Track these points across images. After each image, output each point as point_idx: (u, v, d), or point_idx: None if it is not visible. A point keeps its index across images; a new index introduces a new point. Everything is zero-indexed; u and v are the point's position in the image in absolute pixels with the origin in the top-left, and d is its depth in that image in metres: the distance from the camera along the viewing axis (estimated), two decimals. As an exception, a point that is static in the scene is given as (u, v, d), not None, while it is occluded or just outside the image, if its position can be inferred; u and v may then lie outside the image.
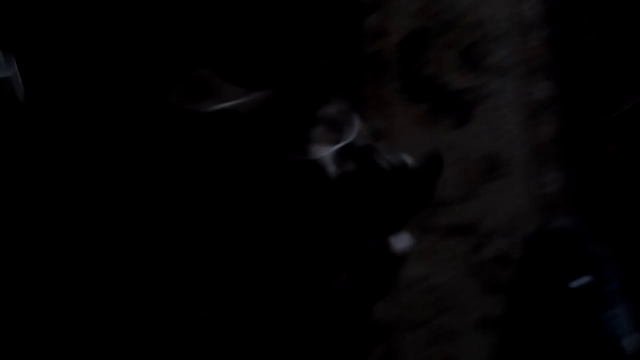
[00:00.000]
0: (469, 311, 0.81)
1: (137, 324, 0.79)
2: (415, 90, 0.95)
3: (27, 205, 0.91)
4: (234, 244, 0.64)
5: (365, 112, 0.97)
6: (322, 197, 0.63)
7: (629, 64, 0.88)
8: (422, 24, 0.98)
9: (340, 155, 0.64)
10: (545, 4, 0.95)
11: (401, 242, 0.65)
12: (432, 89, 0.94)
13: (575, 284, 0.71)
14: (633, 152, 0.84)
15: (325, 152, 0.63)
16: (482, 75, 0.93)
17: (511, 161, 0.87)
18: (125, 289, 0.75)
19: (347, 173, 0.61)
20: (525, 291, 0.75)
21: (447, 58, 0.95)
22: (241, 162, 0.66)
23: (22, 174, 0.96)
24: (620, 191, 0.83)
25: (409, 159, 0.60)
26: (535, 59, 0.92)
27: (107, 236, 0.69)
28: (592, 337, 0.65)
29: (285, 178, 0.65)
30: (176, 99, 0.67)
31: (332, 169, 0.64)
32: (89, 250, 0.81)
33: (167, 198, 0.64)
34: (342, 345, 0.64)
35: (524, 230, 0.84)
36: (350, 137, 0.63)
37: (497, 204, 0.86)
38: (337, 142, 0.64)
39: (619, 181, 0.83)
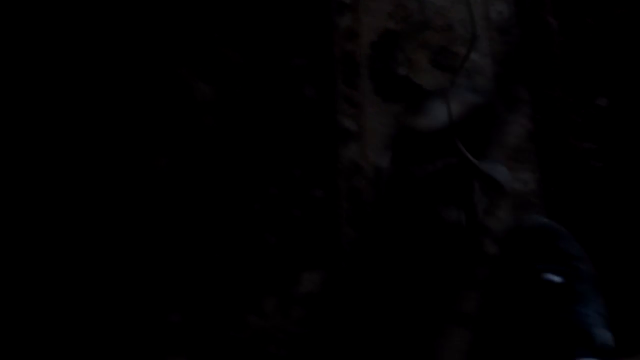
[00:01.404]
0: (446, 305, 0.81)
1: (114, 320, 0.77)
2: (388, 92, 0.95)
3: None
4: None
5: (339, 114, 0.97)
6: None
7: (599, 64, 0.90)
8: (394, 26, 0.98)
9: None
10: (515, 8, 0.96)
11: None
12: (405, 90, 0.94)
13: (548, 279, 0.71)
14: (605, 150, 0.85)
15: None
16: (454, 77, 0.93)
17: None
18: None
19: None
20: (500, 287, 0.75)
21: (420, 60, 0.95)
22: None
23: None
24: (594, 189, 0.84)
25: None
26: (506, 61, 0.93)
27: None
28: (564, 333, 0.65)
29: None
30: None
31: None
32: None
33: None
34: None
35: (499, 229, 0.84)
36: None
37: (471, 204, 0.86)
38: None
39: (593, 179, 0.84)
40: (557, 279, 0.71)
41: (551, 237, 0.75)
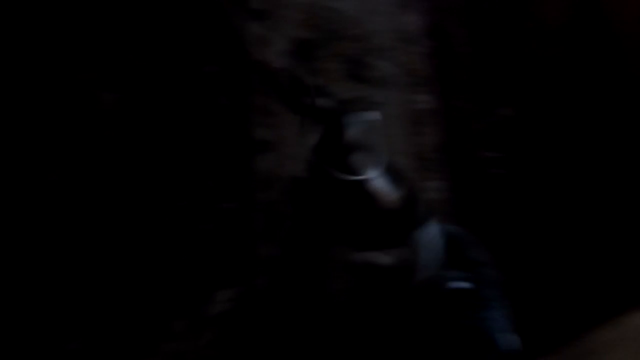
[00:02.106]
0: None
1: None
2: (304, 102, 0.95)
3: None
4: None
5: (254, 123, 0.95)
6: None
7: (501, 76, 0.94)
8: (307, 35, 0.98)
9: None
10: (425, 20, 0.99)
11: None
12: (321, 99, 0.94)
13: (455, 286, 0.73)
14: (508, 157, 0.89)
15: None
16: (367, 87, 0.94)
17: (396, 170, 0.89)
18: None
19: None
20: (408, 294, 0.77)
21: (333, 69, 0.96)
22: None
23: None
24: (499, 197, 0.87)
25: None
26: (416, 71, 0.96)
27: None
28: (470, 337, 0.67)
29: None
30: None
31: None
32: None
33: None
34: None
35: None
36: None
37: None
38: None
39: (498, 187, 0.88)
40: (464, 285, 0.73)
41: (458, 245, 0.77)
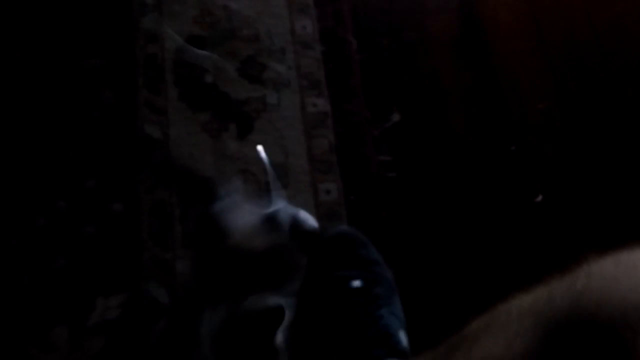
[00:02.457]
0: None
1: None
2: (194, 99, 0.92)
3: None
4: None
5: (140, 120, 0.90)
6: None
7: (393, 82, 0.97)
8: (200, 32, 0.95)
9: None
10: (318, 24, 1.00)
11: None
12: (212, 98, 0.92)
13: (349, 284, 0.74)
14: (403, 161, 0.92)
15: None
16: (260, 88, 0.93)
17: (290, 172, 0.89)
18: None
19: None
20: (306, 293, 0.76)
21: (227, 68, 0.94)
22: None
23: None
24: (388, 197, 0.90)
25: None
26: (310, 75, 0.96)
27: None
28: (366, 334, 0.67)
29: None
30: None
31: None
32: None
33: None
34: None
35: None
36: None
37: (278, 215, 0.86)
38: None
39: (388, 188, 0.90)
40: (356, 283, 0.74)
41: (351, 245, 0.78)
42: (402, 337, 0.71)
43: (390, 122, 0.94)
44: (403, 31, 1.02)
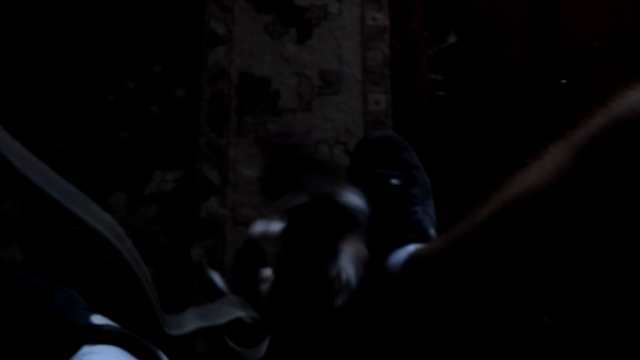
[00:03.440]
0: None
1: None
2: (260, 1, 0.96)
3: None
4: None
5: (207, 16, 0.95)
6: None
7: (455, 5, 0.99)
8: None
9: None
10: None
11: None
12: (276, 1, 0.96)
13: (389, 181, 0.78)
14: (453, 82, 0.94)
15: None
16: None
17: (343, 80, 0.93)
18: None
19: None
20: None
21: (293, -25, 0.97)
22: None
23: None
24: (436, 113, 0.92)
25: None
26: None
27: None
28: (399, 220, 0.72)
29: None
30: None
31: None
32: None
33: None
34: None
35: (348, 143, 0.90)
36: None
37: (327, 119, 0.91)
38: None
39: (436, 105, 0.93)
40: (395, 181, 0.78)
41: (392, 147, 0.82)
42: (433, 233, 0.75)
43: (445, 43, 0.96)
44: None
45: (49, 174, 0.37)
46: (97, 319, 0.65)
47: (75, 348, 0.56)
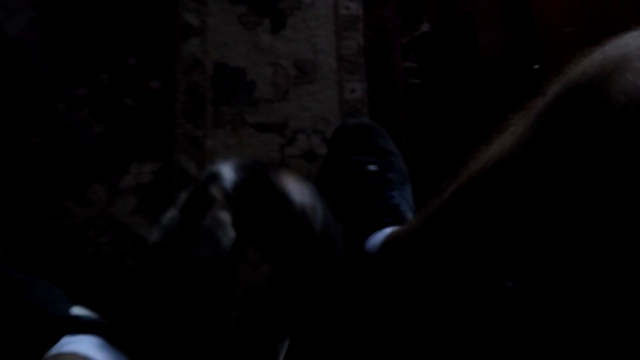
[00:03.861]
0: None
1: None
2: (233, -8, 0.96)
3: None
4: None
5: (180, 7, 0.95)
6: None
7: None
8: None
9: None
10: None
11: None
12: (251, -7, 0.96)
13: (365, 167, 0.79)
14: (428, 70, 0.95)
15: None
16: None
17: (318, 69, 0.93)
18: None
19: None
20: (324, 174, 0.82)
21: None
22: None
23: None
24: (410, 101, 0.93)
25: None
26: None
27: None
28: (376, 204, 0.73)
29: None
30: None
31: None
32: None
33: None
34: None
35: (325, 132, 0.91)
36: None
37: (303, 108, 0.91)
38: None
39: (410, 93, 0.94)
40: (372, 167, 0.79)
41: (369, 134, 0.83)
42: (407, 215, 0.77)
43: (419, 31, 0.97)
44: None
45: None
46: (77, 310, 0.65)
47: (56, 339, 0.56)
